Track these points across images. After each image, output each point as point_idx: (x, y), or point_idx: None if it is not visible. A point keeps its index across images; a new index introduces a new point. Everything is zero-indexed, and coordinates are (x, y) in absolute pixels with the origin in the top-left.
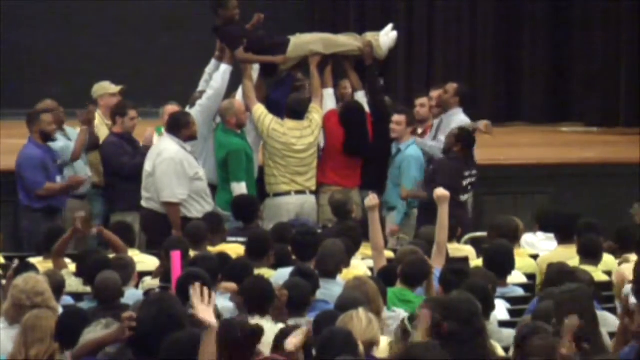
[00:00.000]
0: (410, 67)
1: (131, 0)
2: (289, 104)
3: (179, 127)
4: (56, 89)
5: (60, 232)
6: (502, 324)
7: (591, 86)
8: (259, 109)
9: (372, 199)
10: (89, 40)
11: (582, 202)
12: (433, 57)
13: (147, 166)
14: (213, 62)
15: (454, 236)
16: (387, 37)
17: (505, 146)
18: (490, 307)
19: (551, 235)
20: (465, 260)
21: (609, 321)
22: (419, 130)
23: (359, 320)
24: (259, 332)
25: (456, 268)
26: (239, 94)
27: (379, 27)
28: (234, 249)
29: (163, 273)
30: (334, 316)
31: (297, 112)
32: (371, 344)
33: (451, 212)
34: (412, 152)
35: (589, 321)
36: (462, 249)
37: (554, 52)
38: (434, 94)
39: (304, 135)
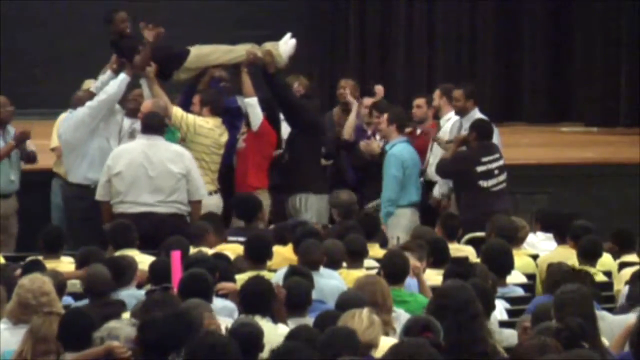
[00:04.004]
0: (410, 67)
1: (131, 1)
2: (210, 100)
3: (160, 127)
4: (56, 88)
5: (60, 233)
6: (502, 324)
7: (591, 86)
8: (179, 110)
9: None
10: (89, 40)
11: (582, 202)
12: (433, 57)
13: (177, 168)
14: (109, 72)
15: (454, 236)
16: (286, 45)
17: (505, 146)
18: (491, 307)
19: (551, 235)
20: (466, 259)
21: (608, 321)
22: (418, 131)
23: (360, 321)
24: None
25: (459, 271)
26: (146, 96)
27: (379, 27)
28: (234, 248)
29: (152, 275)
30: (335, 317)
31: (218, 108)
32: (369, 346)
33: (468, 201)
34: (395, 151)
35: (589, 321)
36: (462, 249)
37: (554, 52)
38: (419, 101)
39: (222, 133)
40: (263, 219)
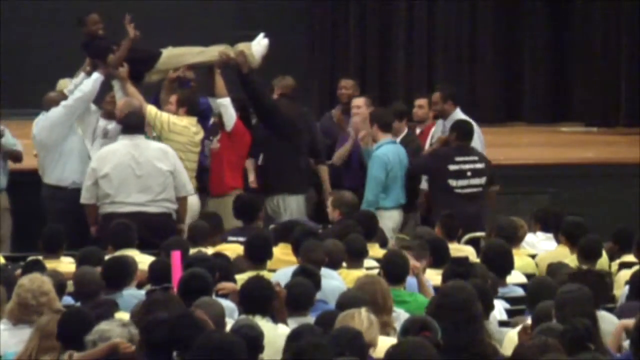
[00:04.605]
0: (410, 67)
1: (131, 1)
2: (187, 100)
3: (141, 126)
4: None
5: (59, 233)
6: (501, 324)
7: (591, 86)
8: (153, 108)
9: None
10: None
11: (582, 202)
12: (433, 57)
13: (164, 166)
14: (82, 74)
15: (454, 236)
16: (258, 45)
17: (505, 146)
18: (490, 307)
19: (551, 235)
20: (466, 259)
21: (608, 321)
22: (417, 130)
23: (360, 321)
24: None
25: (459, 271)
26: (118, 98)
27: (379, 27)
28: (234, 248)
29: (152, 275)
30: (336, 317)
31: (194, 108)
32: (369, 345)
33: (438, 200)
34: (379, 152)
35: (590, 322)
36: (462, 249)
37: (554, 52)
38: (421, 102)
39: (197, 132)
40: (262, 219)
